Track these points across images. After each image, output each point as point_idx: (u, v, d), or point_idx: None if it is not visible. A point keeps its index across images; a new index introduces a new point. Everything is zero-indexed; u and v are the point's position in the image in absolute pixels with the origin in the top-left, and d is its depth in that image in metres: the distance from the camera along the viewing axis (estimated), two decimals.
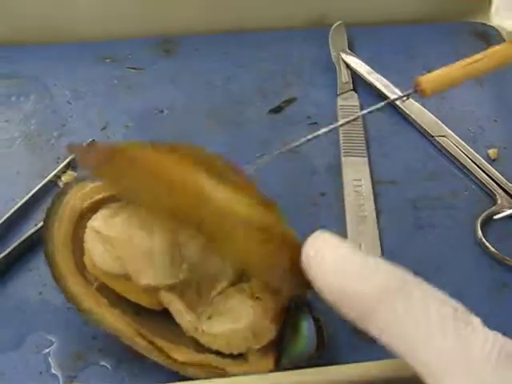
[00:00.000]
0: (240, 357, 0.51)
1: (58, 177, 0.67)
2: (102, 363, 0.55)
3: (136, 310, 0.53)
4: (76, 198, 0.56)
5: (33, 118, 0.74)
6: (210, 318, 0.51)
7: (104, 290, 0.54)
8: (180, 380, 0.49)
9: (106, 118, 0.74)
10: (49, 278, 0.59)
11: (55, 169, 0.68)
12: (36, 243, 0.62)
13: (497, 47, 0.52)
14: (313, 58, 0.82)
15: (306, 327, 0.51)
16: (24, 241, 0.61)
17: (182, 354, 0.51)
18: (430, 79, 0.55)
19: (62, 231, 0.55)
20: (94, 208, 0.55)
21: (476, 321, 0.37)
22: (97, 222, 0.53)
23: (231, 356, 0.51)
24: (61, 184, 0.67)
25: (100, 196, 0.56)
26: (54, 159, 0.70)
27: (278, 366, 0.51)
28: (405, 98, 0.57)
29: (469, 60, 0.51)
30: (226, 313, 0.51)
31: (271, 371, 0.50)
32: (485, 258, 0.64)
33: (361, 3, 0.88)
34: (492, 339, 0.35)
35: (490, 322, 0.58)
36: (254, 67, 0.80)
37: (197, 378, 0.50)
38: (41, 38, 0.84)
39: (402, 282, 0.39)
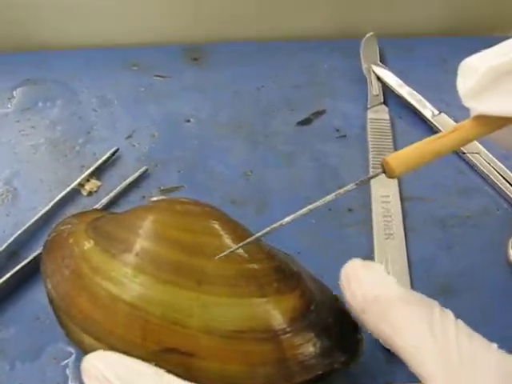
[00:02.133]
0: None
1: (81, 185, 0.66)
2: None
3: None
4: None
5: (59, 124, 0.74)
6: None
7: None
8: None
9: (131, 126, 0.73)
10: None
11: (79, 177, 0.67)
12: None
13: (462, 123, 0.52)
14: (343, 70, 0.81)
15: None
16: None
17: None
18: (397, 159, 0.53)
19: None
20: None
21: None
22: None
23: None
24: (84, 192, 0.66)
25: None
26: (78, 167, 0.69)
27: None
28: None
29: (435, 136, 0.50)
30: None
31: None
32: None
33: (393, 14, 0.87)
34: None
35: None
36: (283, 77, 0.79)
37: None
38: (69, 43, 0.84)
39: None
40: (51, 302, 0.49)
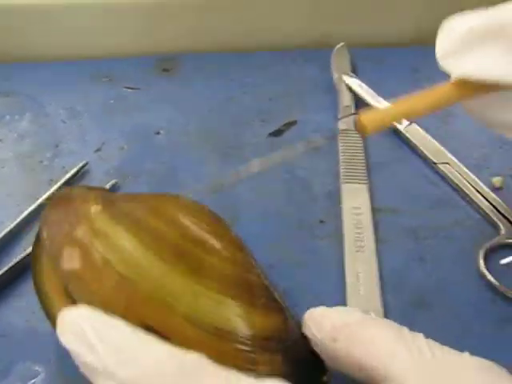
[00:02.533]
0: None
1: (50, 199, 0.65)
2: None
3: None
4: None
5: (27, 137, 0.73)
6: None
7: None
8: None
9: (101, 138, 0.73)
10: (37, 305, 0.58)
11: (48, 191, 0.66)
12: (26, 268, 0.61)
13: (440, 86, 0.52)
14: (314, 80, 0.80)
15: None
16: (13, 266, 0.60)
17: None
18: (370, 117, 0.54)
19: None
20: None
21: None
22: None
23: None
24: None
25: None
26: (46, 181, 0.68)
27: None
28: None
29: (409, 96, 0.50)
30: None
31: None
32: (487, 291, 0.62)
33: (364, 24, 0.87)
34: None
35: (492, 358, 0.57)
36: (255, 88, 0.79)
37: None
38: (37, 55, 0.83)
39: None
40: (40, 249, 0.52)
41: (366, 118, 0.51)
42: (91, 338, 0.37)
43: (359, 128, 0.50)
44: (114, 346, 0.36)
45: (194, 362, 0.35)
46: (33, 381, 0.54)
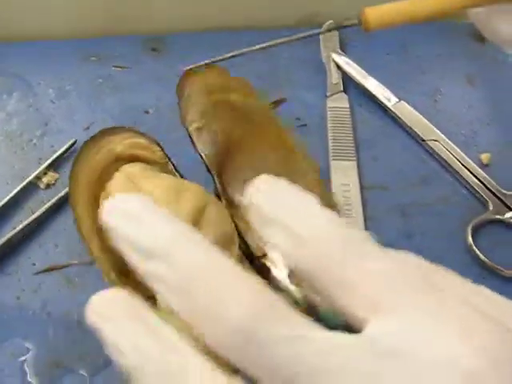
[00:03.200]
0: None
1: (39, 178, 0.66)
2: (81, 371, 0.54)
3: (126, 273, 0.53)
4: (120, 143, 0.59)
5: (15, 116, 0.73)
6: None
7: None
8: None
9: (89, 117, 0.72)
10: (27, 282, 0.59)
11: (36, 170, 0.66)
12: (15, 247, 0.61)
13: None
14: (303, 58, 0.80)
15: None
16: (3, 244, 0.60)
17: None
18: (375, 11, 0.53)
19: (91, 165, 0.57)
20: (131, 160, 0.59)
21: None
22: (132, 169, 0.57)
23: None
24: (42, 185, 0.65)
25: (142, 152, 0.60)
26: (35, 160, 0.68)
27: None
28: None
29: None
30: None
31: None
32: (475, 267, 0.63)
33: (353, 1, 0.86)
34: None
35: None
36: (243, 67, 0.78)
37: None
38: (25, 34, 0.82)
39: None
40: None
41: (370, 12, 0.51)
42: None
43: (363, 23, 0.50)
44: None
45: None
46: (23, 357, 0.55)
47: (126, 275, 0.54)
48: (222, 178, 0.60)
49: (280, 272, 0.54)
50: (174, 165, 0.60)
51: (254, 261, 0.56)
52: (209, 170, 0.59)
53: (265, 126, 0.57)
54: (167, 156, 0.61)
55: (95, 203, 0.57)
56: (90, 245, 0.53)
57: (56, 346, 0.56)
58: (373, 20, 0.51)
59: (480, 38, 0.84)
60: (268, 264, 0.56)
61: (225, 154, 0.60)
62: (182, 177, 0.59)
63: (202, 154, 0.59)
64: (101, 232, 0.55)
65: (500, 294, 0.57)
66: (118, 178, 0.56)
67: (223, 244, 0.54)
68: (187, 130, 0.58)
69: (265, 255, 0.57)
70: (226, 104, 0.59)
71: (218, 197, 0.58)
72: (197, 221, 0.53)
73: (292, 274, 0.56)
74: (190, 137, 0.58)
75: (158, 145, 0.61)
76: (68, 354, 0.55)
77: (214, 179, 0.58)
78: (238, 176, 0.58)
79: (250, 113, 0.58)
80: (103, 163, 0.58)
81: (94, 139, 0.58)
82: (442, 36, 0.84)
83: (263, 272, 0.56)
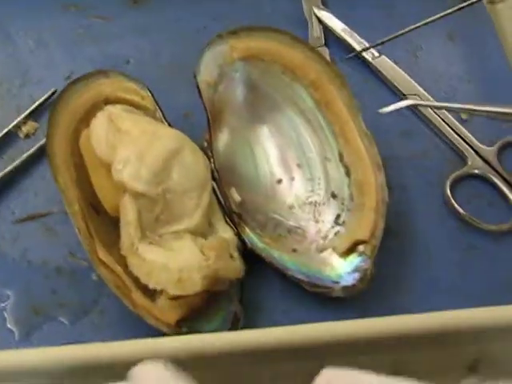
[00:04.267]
0: (152, 294, 0.52)
1: (18, 127, 0.65)
2: (61, 319, 0.55)
3: (97, 208, 0.56)
4: (109, 85, 0.62)
5: None
6: (150, 243, 0.53)
7: (80, 173, 0.57)
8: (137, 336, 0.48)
9: (70, 67, 0.72)
10: (7, 231, 0.59)
11: (16, 119, 0.66)
12: None
13: None
14: (285, 12, 0.79)
15: (223, 316, 0.53)
16: None
17: (105, 255, 0.52)
18: None
19: (80, 102, 0.60)
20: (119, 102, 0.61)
21: None
22: (115, 109, 0.59)
23: (145, 288, 0.51)
24: (21, 135, 0.65)
25: (131, 97, 0.62)
26: (15, 109, 0.68)
27: (176, 327, 0.51)
28: None
29: None
30: (167, 249, 0.53)
31: (167, 325, 0.50)
32: (453, 219, 0.64)
33: None
34: None
35: (458, 286, 0.58)
36: (226, 19, 0.77)
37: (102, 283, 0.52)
38: None
39: None
40: None
41: None
42: None
43: None
44: None
45: None
46: (3, 304, 0.55)
47: (97, 212, 0.56)
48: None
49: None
50: (162, 112, 0.61)
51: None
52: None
53: None
54: (157, 103, 0.61)
55: (74, 149, 0.57)
56: (67, 194, 0.53)
57: (36, 294, 0.56)
58: None
59: None
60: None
61: None
62: (169, 125, 0.60)
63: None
64: (76, 166, 0.56)
65: (477, 246, 0.59)
66: (101, 117, 0.58)
67: (196, 187, 0.55)
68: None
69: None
70: None
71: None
72: (169, 162, 0.54)
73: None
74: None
75: (149, 91, 0.61)
76: (48, 301, 0.56)
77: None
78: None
79: None
80: (91, 103, 0.59)
81: (76, 82, 0.60)
82: None
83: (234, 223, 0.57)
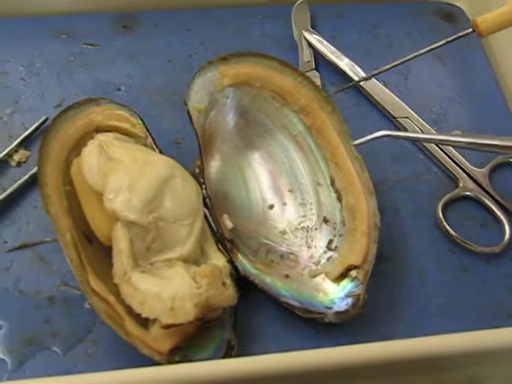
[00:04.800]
0: (145, 322, 0.51)
1: (9, 156, 0.65)
2: (54, 348, 0.54)
3: (89, 237, 0.56)
4: (100, 114, 0.61)
5: None
6: (143, 272, 0.52)
7: (72, 201, 0.57)
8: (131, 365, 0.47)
9: (61, 95, 0.72)
10: None
11: (7, 147, 0.66)
12: None
13: None
14: (275, 36, 0.80)
15: (217, 344, 0.53)
16: None
17: (97, 284, 0.52)
18: (486, 19, 0.64)
19: (71, 130, 0.59)
20: (110, 130, 0.61)
21: None
22: (106, 137, 0.59)
23: (137, 316, 0.51)
24: (13, 163, 0.65)
25: (121, 125, 0.62)
26: (6, 137, 0.67)
27: (169, 356, 0.50)
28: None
29: None
30: (159, 277, 0.52)
31: (160, 354, 0.50)
32: (446, 242, 0.64)
33: None
34: None
35: (449, 309, 0.58)
36: (216, 44, 0.78)
37: (94, 312, 0.51)
38: None
39: None
40: None
41: (482, 24, 0.63)
42: None
43: (478, 31, 0.63)
44: None
45: None
46: None
47: (89, 241, 0.56)
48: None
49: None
50: (153, 139, 0.61)
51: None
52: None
53: None
54: (147, 130, 0.61)
55: (66, 178, 0.57)
56: (58, 224, 0.53)
57: (28, 324, 0.56)
58: (484, 30, 0.65)
59: (448, 17, 0.84)
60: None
61: None
62: (161, 152, 0.60)
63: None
64: (67, 195, 0.56)
65: (469, 268, 0.59)
66: (92, 145, 0.58)
67: (188, 214, 0.55)
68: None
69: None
70: None
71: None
72: (161, 190, 0.54)
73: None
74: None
75: (140, 118, 0.61)
76: (40, 331, 0.55)
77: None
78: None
79: None
80: (82, 131, 0.60)
81: (67, 111, 0.60)
82: (410, 15, 0.85)
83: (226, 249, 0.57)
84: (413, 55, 0.67)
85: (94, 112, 0.61)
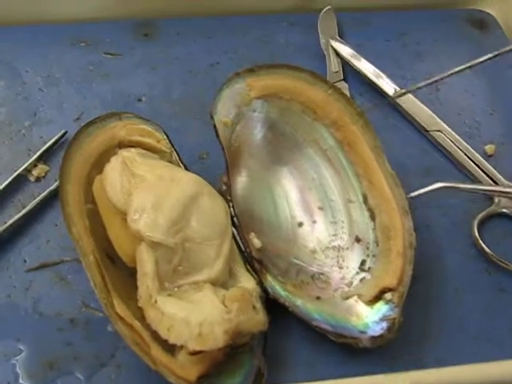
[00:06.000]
0: (171, 348, 0.49)
1: (28, 171, 0.64)
2: (76, 373, 0.53)
3: (112, 257, 0.54)
4: (122, 128, 0.59)
5: (3, 105, 0.70)
6: (169, 295, 0.51)
7: (94, 220, 0.55)
8: None
9: (80, 106, 0.70)
10: (18, 279, 0.57)
11: (26, 162, 0.64)
12: (5, 242, 0.59)
13: None
14: (300, 45, 0.78)
15: (246, 371, 0.50)
16: None
17: (122, 309, 0.50)
18: None
19: (93, 146, 0.57)
20: (133, 145, 0.59)
21: None
22: (129, 153, 0.57)
23: (164, 342, 0.49)
24: (32, 178, 0.63)
25: (145, 140, 0.60)
26: (24, 151, 0.66)
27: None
28: None
29: None
30: (187, 301, 0.50)
31: (188, 382, 0.48)
32: (481, 261, 0.62)
33: None
34: None
35: (486, 331, 0.56)
36: (239, 53, 0.76)
37: (117, 335, 0.49)
38: (11, 19, 0.79)
39: None
40: None
41: None
42: None
43: None
44: None
45: None
46: (16, 358, 0.53)
47: (112, 261, 0.54)
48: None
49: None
50: (178, 155, 0.59)
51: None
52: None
53: None
54: (172, 145, 0.59)
55: (88, 195, 0.55)
56: (81, 245, 0.52)
57: (49, 347, 0.54)
58: None
59: (479, 24, 0.82)
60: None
61: None
62: (186, 169, 0.58)
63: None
64: (89, 213, 0.54)
65: (506, 289, 0.57)
66: (114, 162, 0.56)
67: (216, 235, 0.53)
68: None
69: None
70: None
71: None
72: (187, 209, 0.52)
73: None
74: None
75: (164, 133, 0.60)
76: (62, 355, 0.53)
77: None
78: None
79: None
80: (104, 147, 0.58)
81: (88, 125, 0.58)
82: (439, 22, 0.83)
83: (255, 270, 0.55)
84: (452, 71, 0.65)
85: (116, 127, 0.59)
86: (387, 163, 0.59)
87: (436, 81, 0.63)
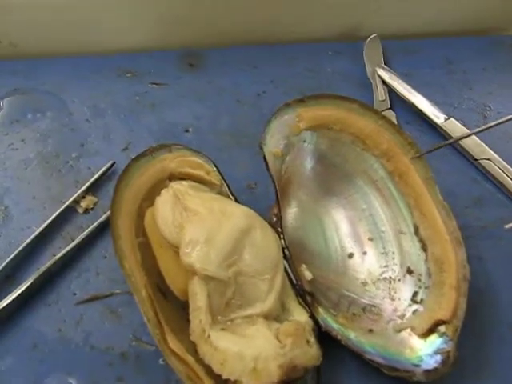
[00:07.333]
0: (224, 382, 0.48)
1: (77, 202, 0.63)
2: None
3: (163, 291, 0.54)
4: (172, 161, 0.59)
5: (50, 137, 0.70)
6: (222, 330, 0.50)
7: (145, 253, 0.54)
8: None
9: (127, 137, 0.70)
10: (69, 313, 0.56)
11: (74, 193, 0.64)
12: (55, 275, 0.59)
13: None
14: (346, 73, 0.78)
15: None
16: (42, 273, 0.58)
17: (175, 344, 0.49)
18: None
19: (143, 179, 0.57)
20: (183, 177, 0.59)
21: None
22: (180, 186, 0.57)
23: (217, 377, 0.48)
24: (80, 210, 0.63)
25: (196, 172, 0.59)
26: (72, 182, 0.66)
27: None
28: None
29: None
30: (240, 335, 0.50)
31: None
32: None
33: (396, 15, 0.84)
34: None
35: None
36: (285, 82, 0.76)
37: (169, 368, 0.48)
38: (58, 50, 0.80)
39: None
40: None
41: None
42: None
43: None
44: None
45: None
46: None
47: (164, 295, 0.53)
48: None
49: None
50: (228, 187, 0.59)
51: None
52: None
53: None
54: (223, 177, 0.59)
55: (138, 228, 0.55)
56: (133, 280, 0.51)
57: (100, 381, 0.53)
58: None
59: None
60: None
61: None
62: (236, 201, 0.57)
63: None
64: (141, 247, 0.54)
65: None
66: (166, 194, 0.56)
67: (268, 268, 0.52)
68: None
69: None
70: None
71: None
72: (240, 243, 0.52)
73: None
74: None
75: (214, 165, 0.59)
76: None
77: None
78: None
79: None
80: (154, 180, 0.58)
81: (138, 158, 0.58)
82: (487, 49, 0.82)
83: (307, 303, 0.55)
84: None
85: (166, 159, 0.59)
86: (439, 194, 0.58)
87: (502, 122, 0.60)
